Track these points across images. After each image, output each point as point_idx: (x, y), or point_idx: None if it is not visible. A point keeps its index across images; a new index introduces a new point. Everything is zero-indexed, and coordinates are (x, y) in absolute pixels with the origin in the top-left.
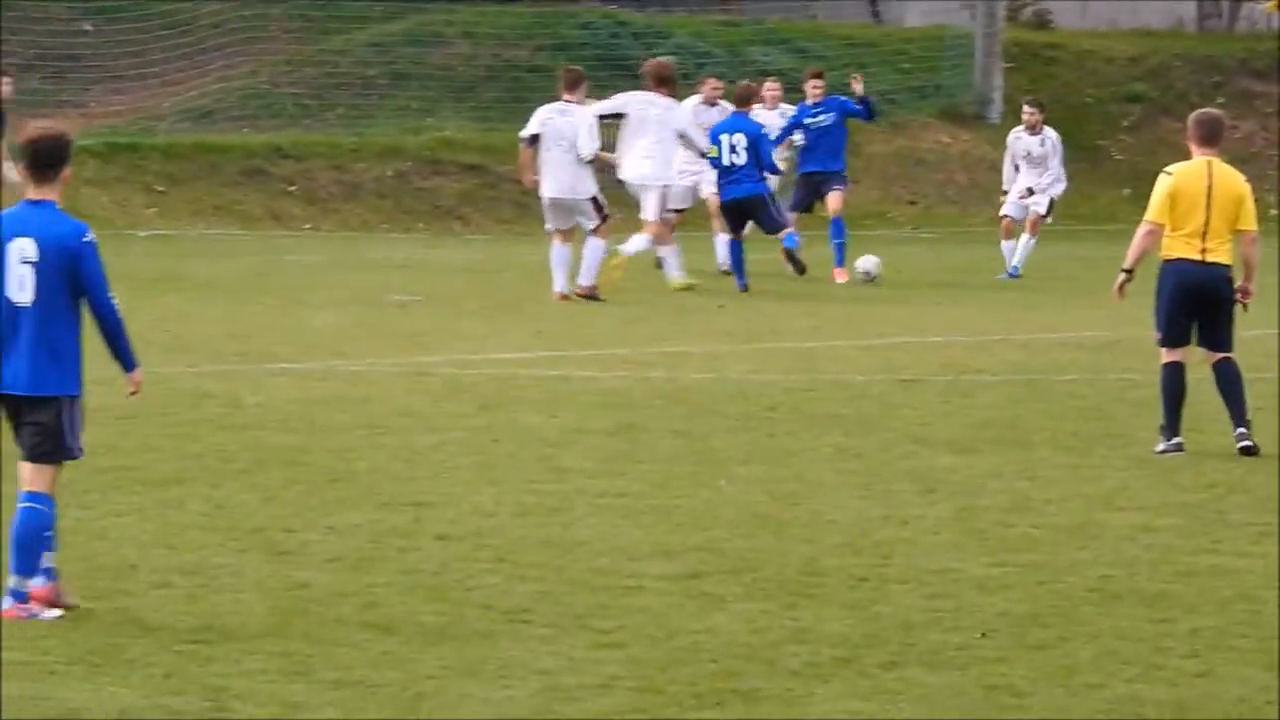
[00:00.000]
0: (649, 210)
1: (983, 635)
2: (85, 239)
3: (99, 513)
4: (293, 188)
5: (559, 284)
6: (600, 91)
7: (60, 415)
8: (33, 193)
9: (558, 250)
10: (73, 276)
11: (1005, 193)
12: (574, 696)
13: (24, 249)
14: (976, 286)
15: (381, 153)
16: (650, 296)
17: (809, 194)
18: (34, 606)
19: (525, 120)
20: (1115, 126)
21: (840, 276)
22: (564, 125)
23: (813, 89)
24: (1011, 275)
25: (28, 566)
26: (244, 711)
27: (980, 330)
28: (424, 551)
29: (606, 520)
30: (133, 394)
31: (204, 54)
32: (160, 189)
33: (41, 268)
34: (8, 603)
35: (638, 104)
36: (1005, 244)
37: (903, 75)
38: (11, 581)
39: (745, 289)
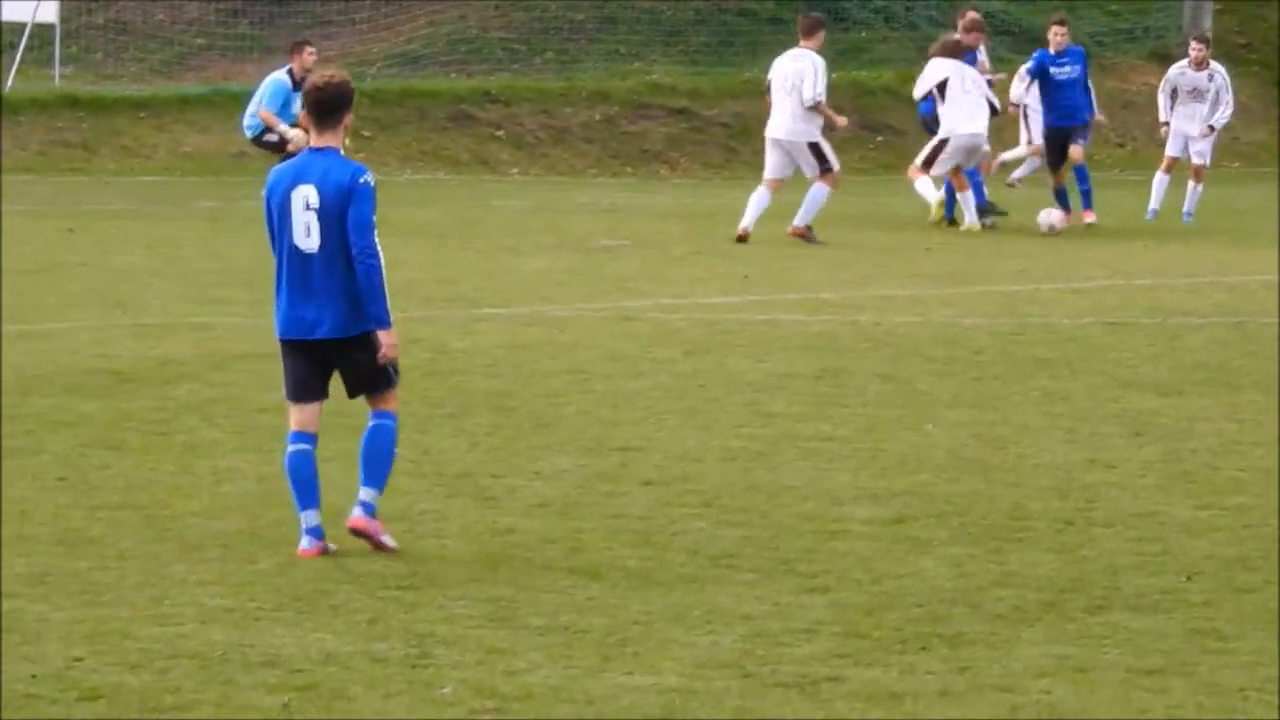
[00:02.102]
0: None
1: (1189, 579)
2: (362, 180)
3: None
4: (500, 132)
5: (745, 221)
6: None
7: (375, 351)
8: (315, 140)
9: (760, 192)
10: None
11: (1165, 124)
12: (779, 641)
13: (307, 196)
14: (1184, 229)
15: (589, 97)
16: (856, 239)
17: (1059, 152)
18: (379, 525)
19: (732, 64)
20: None
21: (1088, 217)
22: (790, 70)
23: (1056, 35)
24: (1151, 216)
25: (379, 479)
26: (447, 658)
27: (1188, 273)
28: (630, 497)
29: (812, 464)
30: (381, 357)
31: None
32: (368, 134)
33: (324, 213)
34: (357, 512)
35: (953, 69)
36: (1161, 178)
37: (1111, 17)
38: (361, 494)
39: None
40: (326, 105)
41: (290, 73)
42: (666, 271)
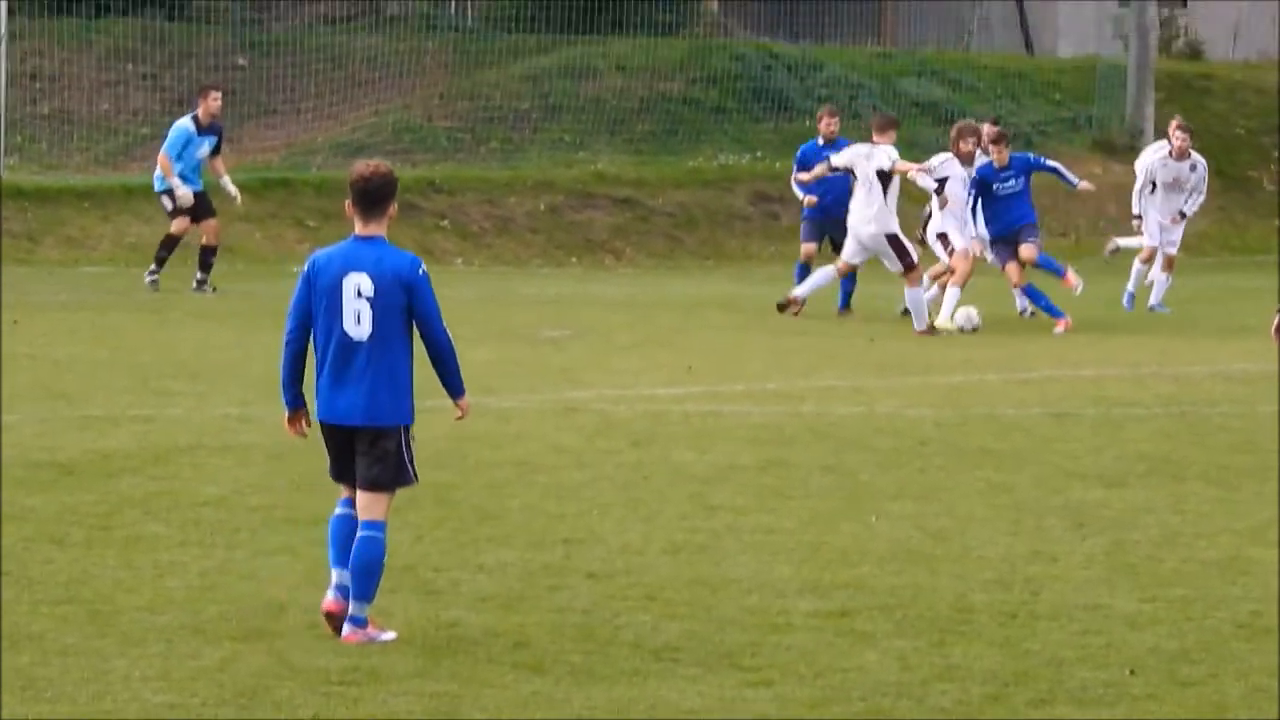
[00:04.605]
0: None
1: (1132, 672)
2: (421, 271)
3: (248, 552)
4: (445, 222)
5: (798, 292)
6: (753, 125)
7: (401, 443)
8: (360, 229)
9: (826, 269)
10: (407, 308)
11: (1138, 218)
12: None
13: (359, 284)
14: (1128, 319)
15: (534, 186)
16: (799, 328)
17: (1010, 254)
18: (372, 630)
19: (677, 153)
20: (1267, 158)
21: (1060, 326)
22: (868, 167)
23: (997, 153)
24: (1129, 303)
25: (367, 592)
26: None
27: (1133, 363)
28: (574, 590)
29: (756, 557)
30: (459, 419)
31: (358, 88)
32: (313, 224)
33: (378, 302)
34: (348, 628)
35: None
36: (1139, 266)
37: (1054, 106)
38: (351, 608)
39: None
40: (373, 195)
41: (195, 118)
42: (611, 361)
